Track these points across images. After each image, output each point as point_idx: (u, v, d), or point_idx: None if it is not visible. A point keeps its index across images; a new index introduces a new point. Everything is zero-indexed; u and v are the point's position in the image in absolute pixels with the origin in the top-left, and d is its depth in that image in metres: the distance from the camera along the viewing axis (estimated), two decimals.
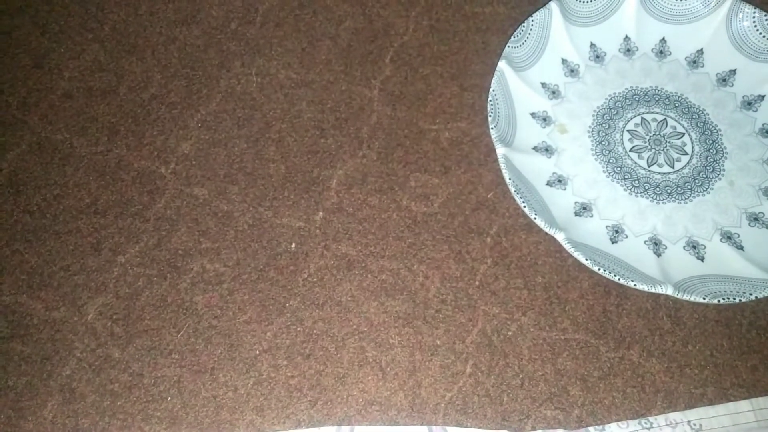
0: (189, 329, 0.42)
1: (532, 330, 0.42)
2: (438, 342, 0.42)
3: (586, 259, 0.40)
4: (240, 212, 0.45)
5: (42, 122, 0.49)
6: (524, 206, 0.42)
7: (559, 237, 0.41)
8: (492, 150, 0.48)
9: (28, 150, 0.48)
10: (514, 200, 0.45)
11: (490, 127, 0.44)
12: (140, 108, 0.49)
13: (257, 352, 0.41)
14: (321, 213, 0.46)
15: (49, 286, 0.43)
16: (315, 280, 0.44)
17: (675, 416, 0.40)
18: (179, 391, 0.40)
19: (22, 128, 0.48)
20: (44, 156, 0.47)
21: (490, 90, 0.46)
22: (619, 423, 0.40)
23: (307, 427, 0.40)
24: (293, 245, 0.45)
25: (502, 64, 0.46)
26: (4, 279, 0.43)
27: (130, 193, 0.46)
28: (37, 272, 0.44)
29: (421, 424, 0.40)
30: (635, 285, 0.40)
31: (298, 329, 0.42)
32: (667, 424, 0.40)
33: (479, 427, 0.40)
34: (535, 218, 0.42)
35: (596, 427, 0.40)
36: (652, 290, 0.40)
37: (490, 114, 0.45)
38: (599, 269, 0.40)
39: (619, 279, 0.40)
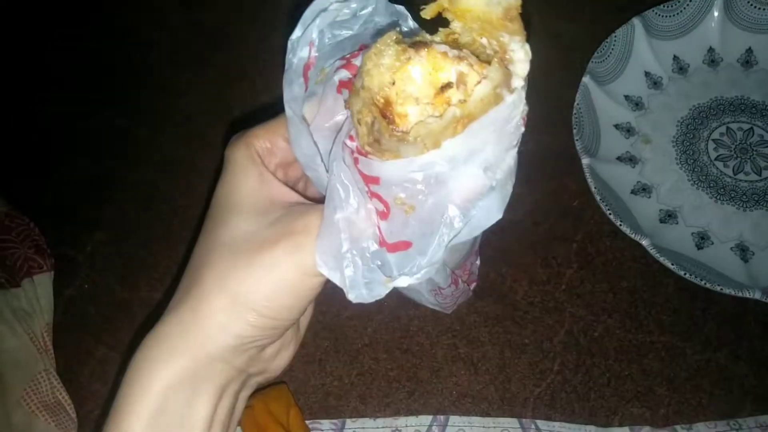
0: None
1: (617, 332, 0.44)
2: (526, 341, 0.45)
3: (672, 264, 0.42)
4: None
5: (169, 142, 0.55)
6: (609, 213, 0.44)
7: (645, 243, 0.43)
8: (576, 160, 0.50)
9: (158, 166, 0.55)
10: (599, 208, 0.47)
11: (575, 138, 0.47)
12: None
13: (359, 345, 0.46)
14: None
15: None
16: None
17: (765, 419, 0.41)
18: (291, 378, 0.45)
19: (153, 147, 0.56)
20: (172, 171, 0.54)
21: (575, 104, 0.48)
22: (707, 423, 0.41)
23: (405, 416, 0.43)
24: None
25: (586, 79, 0.49)
26: (141, 278, 0.50)
27: None
28: (168, 272, 0.50)
29: (512, 417, 0.43)
30: (722, 289, 0.41)
31: (396, 326, 0.46)
32: (757, 426, 0.41)
33: (567, 422, 0.42)
34: (620, 225, 0.44)
35: (683, 426, 0.41)
36: (740, 295, 0.41)
37: (575, 126, 0.47)
38: (685, 273, 0.42)
39: (705, 283, 0.42)
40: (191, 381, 0.22)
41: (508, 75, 0.20)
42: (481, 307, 0.46)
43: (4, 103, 0.59)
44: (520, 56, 0.21)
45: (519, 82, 0.21)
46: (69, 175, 0.55)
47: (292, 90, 0.24)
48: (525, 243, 0.48)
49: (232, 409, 0.25)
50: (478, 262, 0.34)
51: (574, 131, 0.47)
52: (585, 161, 0.46)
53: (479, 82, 0.20)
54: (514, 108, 0.21)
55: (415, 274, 0.21)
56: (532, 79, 0.54)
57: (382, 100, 0.20)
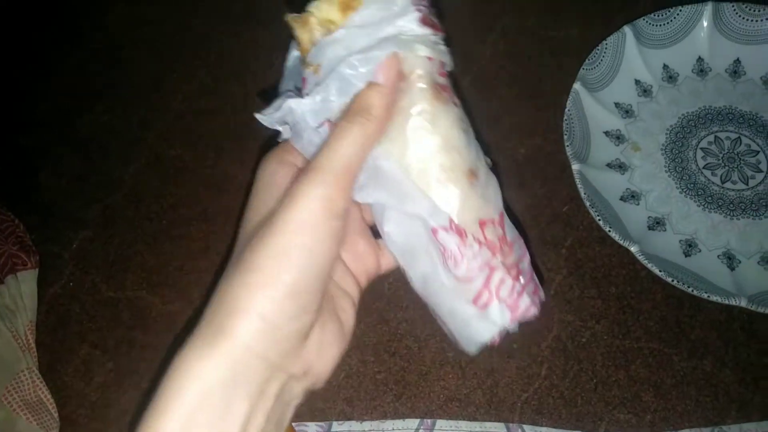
0: None
1: (605, 338, 0.45)
2: (515, 346, 0.45)
3: (660, 271, 0.42)
4: None
5: (158, 140, 0.55)
6: (599, 219, 0.44)
7: (633, 249, 0.43)
8: (567, 165, 0.50)
9: (147, 164, 0.54)
10: (589, 214, 0.47)
11: (566, 144, 0.47)
12: (243, 127, 0.55)
13: (348, 347, 0.45)
14: None
15: (165, 284, 0.49)
16: (399, 284, 0.47)
17: (749, 427, 0.41)
18: None
19: (141, 145, 0.55)
20: (161, 169, 0.54)
21: (566, 110, 0.48)
22: (692, 430, 0.42)
23: (393, 419, 0.43)
24: None
25: (576, 86, 0.49)
26: (127, 276, 0.50)
27: (235, 202, 0.51)
28: (155, 271, 0.50)
29: (499, 421, 0.42)
30: (708, 297, 0.42)
31: (384, 329, 0.46)
32: None
33: (554, 427, 0.42)
34: (609, 231, 0.44)
35: None
36: (726, 302, 0.41)
37: (565, 133, 0.48)
38: (672, 280, 0.42)
39: (692, 291, 0.42)
40: (227, 379, 0.22)
41: None
42: None
43: None
44: None
45: None
46: (57, 171, 0.55)
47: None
48: None
49: (275, 414, 0.23)
50: (527, 259, 0.28)
51: (565, 137, 0.47)
52: (575, 167, 0.46)
53: None
54: None
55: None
56: (526, 85, 0.55)
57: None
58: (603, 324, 0.45)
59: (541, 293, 0.27)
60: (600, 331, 0.45)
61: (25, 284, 0.47)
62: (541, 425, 0.42)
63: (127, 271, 0.50)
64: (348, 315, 0.27)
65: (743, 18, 0.51)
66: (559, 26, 0.57)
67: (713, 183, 0.48)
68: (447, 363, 0.45)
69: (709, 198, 0.48)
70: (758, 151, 0.49)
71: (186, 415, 0.21)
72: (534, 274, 0.28)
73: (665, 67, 0.52)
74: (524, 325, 0.45)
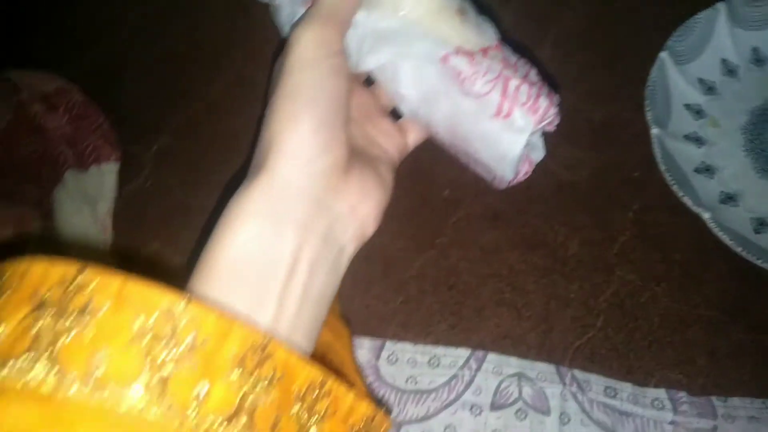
0: None
1: (664, 300, 0.45)
2: (572, 296, 0.45)
3: (730, 240, 0.42)
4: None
5: (244, 60, 0.57)
6: (673, 184, 0.45)
7: (706, 216, 0.43)
8: (641, 135, 0.50)
9: (231, 82, 0.56)
10: (660, 182, 0.47)
11: (646, 109, 0.48)
12: None
13: (407, 276, 0.47)
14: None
15: None
16: (463, 224, 0.48)
17: None
18: (339, 295, 0.46)
19: (226, 64, 0.57)
20: (244, 89, 0.56)
21: (650, 76, 0.49)
22: (743, 399, 0.42)
23: (445, 346, 0.44)
24: (446, 192, 0.50)
25: (664, 55, 0.49)
26: (203, 184, 0.51)
27: None
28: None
29: (550, 362, 0.43)
30: None
31: (444, 264, 0.47)
32: None
33: (605, 376, 0.42)
34: (682, 197, 0.44)
35: (719, 398, 0.42)
36: None
37: (647, 98, 0.48)
38: (741, 250, 0.42)
39: (761, 263, 0.42)
40: (270, 213, 0.23)
41: None
42: (530, 257, 0.47)
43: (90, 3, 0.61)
44: None
45: None
46: (144, 77, 0.57)
47: None
48: (582, 205, 0.48)
49: (326, 255, 0.24)
50: (534, 71, 0.29)
51: (646, 102, 0.48)
52: (654, 131, 0.47)
53: None
54: None
55: None
56: (610, 53, 0.55)
57: None
58: (663, 287, 0.45)
59: (556, 97, 0.29)
60: (660, 293, 0.45)
61: (107, 176, 0.50)
62: (592, 372, 0.43)
63: (203, 179, 0.52)
64: (387, 174, 0.29)
65: None
66: (648, 1, 0.57)
67: None
68: (504, 303, 0.45)
69: None
70: None
71: (236, 248, 0.22)
72: (544, 83, 0.29)
73: (755, 49, 0.52)
74: (584, 278, 0.46)
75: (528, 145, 0.28)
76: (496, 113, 0.27)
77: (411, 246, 0.48)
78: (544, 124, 0.28)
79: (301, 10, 0.27)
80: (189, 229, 0.49)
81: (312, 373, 0.21)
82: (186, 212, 0.50)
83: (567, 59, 0.55)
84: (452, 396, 0.42)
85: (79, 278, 0.18)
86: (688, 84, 0.50)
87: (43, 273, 0.18)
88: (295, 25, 0.26)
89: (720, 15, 0.51)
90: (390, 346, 0.44)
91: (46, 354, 0.17)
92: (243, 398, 0.18)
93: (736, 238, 0.43)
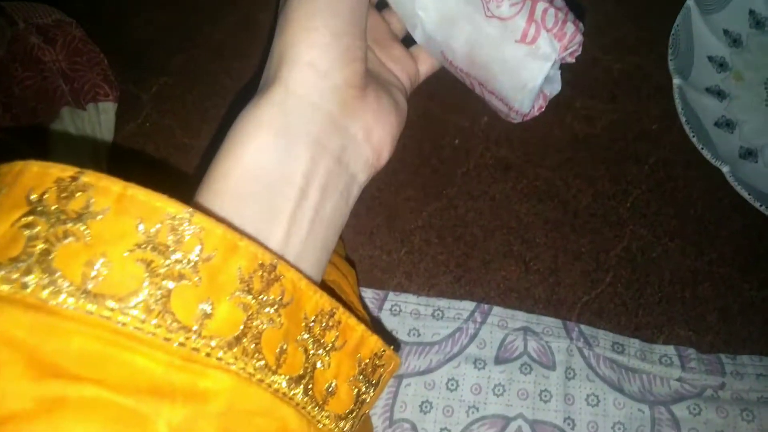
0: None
1: (676, 256, 0.44)
2: (582, 249, 0.44)
3: (749, 194, 0.41)
4: (410, 104, 0.49)
5: (250, 2, 0.54)
6: (693, 137, 0.43)
7: (725, 170, 0.42)
8: (662, 87, 0.48)
9: (236, 24, 0.54)
10: (678, 135, 0.46)
11: (669, 58, 0.45)
12: None
13: (413, 226, 0.45)
14: (486, 117, 0.49)
15: None
16: (473, 175, 0.47)
17: None
18: (342, 241, 0.45)
19: (233, 5, 0.55)
20: (249, 32, 0.53)
21: (674, 24, 0.47)
22: (752, 357, 0.41)
23: (449, 299, 0.43)
24: (456, 141, 0.48)
25: (690, 2, 0.47)
26: (203, 126, 0.50)
27: None
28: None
29: (556, 317, 0.42)
30: None
31: (452, 214, 0.46)
32: None
33: (612, 332, 0.42)
34: (702, 149, 0.43)
35: (728, 356, 0.41)
36: None
37: (671, 47, 0.46)
38: (761, 206, 0.41)
39: None
40: (283, 126, 0.21)
41: None
42: (540, 210, 0.45)
43: None
44: None
45: None
46: (146, 19, 0.54)
47: None
48: (597, 157, 0.47)
49: (338, 179, 0.23)
50: (571, 18, 0.27)
51: (670, 51, 0.46)
52: (676, 82, 0.45)
53: None
54: None
55: None
56: (633, 3, 0.52)
57: None
58: (676, 242, 0.44)
59: (581, 24, 0.27)
60: (672, 248, 0.44)
61: (105, 114, 0.48)
62: (599, 327, 0.42)
63: (203, 121, 0.50)
64: (400, 99, 0.27)
65: None
66: None
67: None
68: (511, 256, 0.44)
69: None
70: None
71: (246, 162, 0.21)
72: (569, 10, 0.27)
73: None
74: (595, 231, 0.45)
75: (546, 76, 0.27)
76: (521, 38, 0.25)
77: (418, 196, 0.46)
78: (568, 52, 0.26)
79: None
80: (190, 170, 0.48)
81: (322, 301, 0.19)
82: (186, 154, 0.49)
83: (595, 7, 0.53)
84: (455, 349, 0.42)
85: (78, 180, 0.16)
86: (713, 35, 0.48)
87: (40, 174, 0.17)
88: None
89: None
90: (393, 297, 0.43)
91: (40, 260, 0.15)
92: (248, 321, 0.17)
93: (755, 192, 0.42)
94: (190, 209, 0.17)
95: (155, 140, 0.49)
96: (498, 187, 0.46)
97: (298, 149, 0.21)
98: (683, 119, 0.43)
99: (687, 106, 0.44)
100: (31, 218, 0.16)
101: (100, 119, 0.48)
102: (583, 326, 0.42)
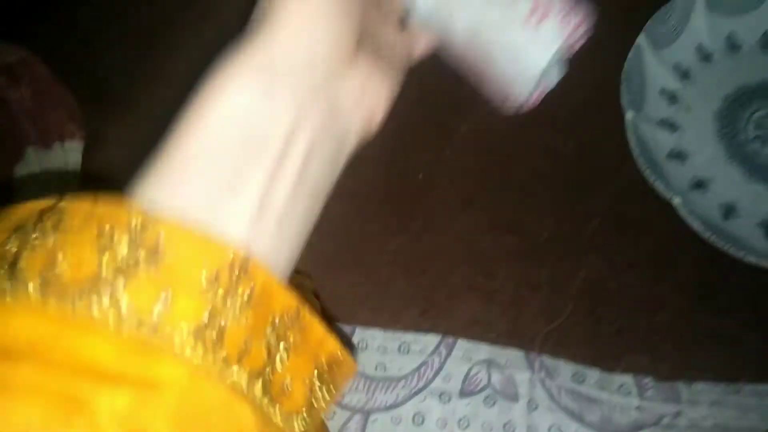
0: (322, 231, 0.47)
1: (634, 285, 0.45)
2: (543, 281, 0.45)
3: (698, 226, 0.43)
4: (375, 138, 0.50)
5: (213, 35, 0.55)
6: (645, 169, 0.45)
7: (676, 201, 0.43)
8: (615, 120, 0.50)
9: (201, 59, 0.54)
10: (633, 167, 0.47)
11: (622, 93, 0.47)
12: None
13: (378, 261, 0.46)
14: (449, 151, 0.50)
15: None
16: (437, 209, 0.48)
17: (765, 388, 0.42)
18: (309, 280, 0.45)
19: (196, 38, 0.55)
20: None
21: (626, 61, 0.48)
22: (707, 383, 0.42)
23: (415, 332, 0.44)
24: (421, 175, 0.49)
25: (641, 38, 0.49)
26: None
27: None
28: None
29: (519, 349, 0.43)
30: (743, 256, 0.42)
31: (417, 248, 0.47)
32: (755, 394, 0.42)
33: (573, 362, 0.43)
34: (654, 182, 0.44)
35: (684, 383, 0.42)
36: (759, 263, 0.41)
37: (623, 82, 0.47)
38: (710, 236, 0.42)
39: (728, 248, 0.42)
40: (268, 76, 0.19)
41: None
42: (503, 242, 0.47)
43: None
44: None
45: None
46: (111, 57, 0.55)
47: None
48: (556, 189, 0.48)
49: (327, 144, 0.21)
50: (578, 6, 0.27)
51: (622, 87, 0.47)
52: (628, 116, 0.46)
53: None
54: None
55: None
56: (589, 38, 0.54)
57: None
58: (633, 272, 0.45)
59: (590, 14, 0.27)
60: (629, 278, 0.45)
61: (71, 153, 0.48)
62: (560, 357, 0.43)
63: None
64: (396, 63, 0.26)
65: None
66: None
67: (761, 155, 0.48)
68: (474, 288, 0.45)
69: (755, 168, 0.48)
70: None
71: (222, 105, 0.19)
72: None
73: (730, 35, 0.52)
74: (555, 262, 0.46)
75: (548, 63, 0.26)
76: (527, 18, 0.25)
77: (384, 230, 0.47)
78: (572, 41, 0.26)
79: None
80: None
81: (290, 299, 0.19)
82: None
83: None
84: (421, 383, 0.42)
85: (56, 206, 0.18)
86: (664, 69, 0.50)
87: (22, 208, 0.18)
88: None
89: (698, 0, 0.50)
90: (360, 332, 0.44)
91: (11, 265, 0.17)
92: (212, 314, 0.17)
93: (705, 224, 0.43)
94: (143, 212, 0.18)
95: (122, 177, 0.49)
96: (461, 221, 0.47)
97: (283, 99, 0.20)
98: (636, 152, 0.45)
99: (640, 140, 0.46)
100: (8, 236, 0.17)
101: (67, 158, 0.48)
102: (545, 357, 0.43)
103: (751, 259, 0.42)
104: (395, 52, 0.27)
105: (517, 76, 0.26)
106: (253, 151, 0.19)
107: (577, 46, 0.27)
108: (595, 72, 0.52)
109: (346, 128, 0.22)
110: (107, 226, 0.17)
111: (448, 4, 0.26)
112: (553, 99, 0.51)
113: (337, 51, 0.21)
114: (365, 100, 0.23)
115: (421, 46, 0.29)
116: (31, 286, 0.16)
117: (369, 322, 0.44)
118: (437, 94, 0.52)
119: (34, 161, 0.46)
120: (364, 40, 0.24)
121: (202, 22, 0.56)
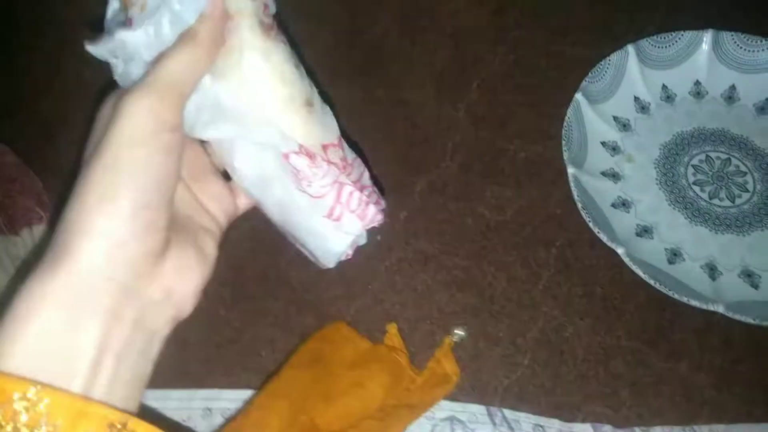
0: (285, 299, 0.49)
1: (588, 334, 0.46)
2: (501, 334, 0.47)
3: (644, 273, 0.45)
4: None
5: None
6: (589, 221, 0.47)
7: (620, 251, 0.45)
8: (562, 172, 0.52)
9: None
10: (580, 217, 0.49)
11: (564, 149, 0.50)
12: None
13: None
14: (405, 212, 0.52)
15: None
16: (396, 269, 0.50)
17: (719, 428, 0.43)
18: (273, 349, 0.46)
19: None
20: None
21: (566, 117, 0.51)
22: (664, 427, 0.43)
23: None
24: (379, 237, 0.51)
25: (578, 96, 0.52)
26: None
27: None
28: None
29: (480, 404, 0.44)
30: (688, 301, 0.44)
31: (378, 309, 0.48)
32: None
33: (533, 413, 0.44)
34: (598, 233, 0.46)
35: (642, 428, 0.43)
36: (705, 307, 0.43)
37: (564, 138, 0.50)
38: (655, 283, 0.44)
39: (674, 294, 0.44)
40: (72, 302, 0.21)
41: None
42: (460, 298, 0.48)
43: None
44: None
45: None
46: (77, 137, 0.57)
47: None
48: (508, 243, 0.50)
49: (137, 342, 0.23)
50: (366, 174, 0.31)
51: (563, 143, 0.50)
52: (570, 171, 0.49)
53: None
54: None
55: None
56: (532, 94, 0.58)
57: None
58: (586, 321, 0.47)
59: (383, 202, 0.31)
60: (583, 327, 0.47)
61: (38, 236, 0.50)
62: (521, 410, 0.44)
63: None
64: (209, 247, 0.27)
65: (741, 47, 0.54)
66: (568, 43, 0.60)
67: (701, 198, 0.50)
68: (435, 345, 0.46)
69: (696, 212, 0.50)
70: (746, 173, 0.51)
71: (33, 338, 0.20)
72: (375, 187, 0.31)
73: (664, 87, 0.55)
74: (511, 316, 0.47)
75: (349, 246, 0.30)
76: (328, 214, 0.29)
77: (344, 293, 0.49)
78: (370, 226, 0.30)
79: (135, 71, 0.25)
80: None
81: None
82: None
83: (495, 100, 0.57)
84: None
85: None
86: (604, 122, 0.53)
87: None
88: (128, 91, 0.23)
89: (630, 56, 0.54)
90: None
91: None
92: None
93: (650, 270, 0.45)
94: (38, 384, 0.19)
95: None
96: (419, 280, 0.49)
97: (87, 323, 0.21)
98: (580, 205, 0.47)
99: (583, 192, 0.48)
100: None
101: (35, 244, 0.49)
102: (506, 410, 0.44)
103: (695, 303, 0.43)
104: (218, 209, 0.29)
105: (323, 252, 0.30)
106: (64, 369, 0.20)
107: (376, 225, 0.31)
108: (540, 124, 0.55)
109: (157, 324, 0.24)
110: None
111: (261, 184, 0.28)
112: (502, 153, 0.54)
113: (143, 259, 0.22)
114: (177, 292, 0.24)
115: (244, 200, 0.31)
116: None
117: None
118: (396, 161, 0.54)
119: (2, 250, 0.47)
120: (181, 212, 0.26)
121: None
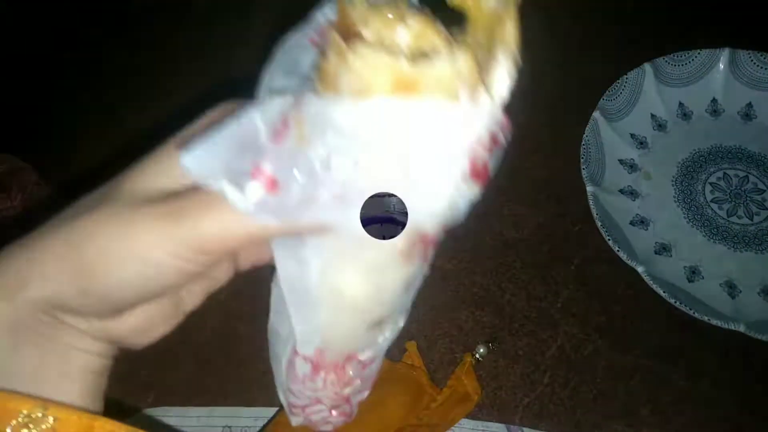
0: None
1: (607, 352, 0.46)
2: (520, 352, 0.47)
3: (664, 292, 0.45)
4: None
5: None
6: (609, 239, 0.47)
7: (640, 269, 0.46)
8: (581, 189, 0.53)
9: None
10: (599, 235, 0.50)
11: (582, 167, 0.50)
12: None
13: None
14: None
15: None
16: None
17: None
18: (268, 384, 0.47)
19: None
20: None
21: (584, 135, 0.51)
22: None
23: None
24: None
25: (596, 114, 0.52)
26: None
27: None
28: None
29: (500, 422, 0.44)
30: (709, 320, 0.44)
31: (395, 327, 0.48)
32: None
33: None
34: (618, 251, 0.46)
35: None
36: (725, 326, 0.43)
37: (582, 156, 0.50)
38: (675, 302, 0.44)
39: (694, 313, 0.44)
40: (11, 326, 0.20)
41: (475, 74, 0.17)
42: (479, 316, 0.48)
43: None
44: (500, 73, 0.18)
45: (485, 97, 0.18)
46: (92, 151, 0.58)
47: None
48: (527, 260, 0.50)
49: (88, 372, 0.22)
50: (365, 394, 0.28)
51: (582, 161, 0.50)
52: (589, 189, 0.49)
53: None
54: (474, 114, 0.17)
55: None
56: (549, 112, 0.58)
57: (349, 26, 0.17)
58: (606, 339, 0.47)
59: (353, 411, 0.29)
60: (602, 345, 0.47)
61: None
62: (541, 429, 0.44)
63: None
64: (194, 299, 0.26)
65: (757, 65, 0.54)
66: (585, 62, 0.60)
67: (719, 216, 0.50)
68: (454, 363, 0.47)
69: (715, 230, 0.50)
70: (764, 190, 0.51)
71: None
72: (355, 408, 0.29)
73: (681, 105, 0.55)
74: (530, 334, 0.47)
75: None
76: (289, 404, 0.28)
77: None
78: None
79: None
80: None
81: None
82: None
83: (514, 119, 0.57)
84: None
85: None
86: (621, 140, 0.53)
87: None
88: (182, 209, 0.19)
89: (647, 74, 0.54)
90: None
91: None
92: None
93: (670, 289, 0.45)
94: (44, 403, 0.19)
95: None
96: (438, 297, 0.49)
97: (25, 350, 0.20)
98: (599, 223, 0.47)
99: (602, 210, 0.49)
100: None
101: None
102: (526, 429, 0.44)
103: (716, 322, 0.43)
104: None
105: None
106: None
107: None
108: (558, 141, 0.55)
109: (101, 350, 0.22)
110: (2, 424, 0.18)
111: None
112: (520, 171, 0.55)
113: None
114: (139, 338, 0.23)
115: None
116: None
117: None
118: None
119: None
120: None
121: None
